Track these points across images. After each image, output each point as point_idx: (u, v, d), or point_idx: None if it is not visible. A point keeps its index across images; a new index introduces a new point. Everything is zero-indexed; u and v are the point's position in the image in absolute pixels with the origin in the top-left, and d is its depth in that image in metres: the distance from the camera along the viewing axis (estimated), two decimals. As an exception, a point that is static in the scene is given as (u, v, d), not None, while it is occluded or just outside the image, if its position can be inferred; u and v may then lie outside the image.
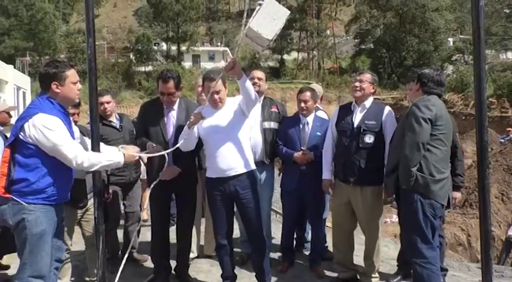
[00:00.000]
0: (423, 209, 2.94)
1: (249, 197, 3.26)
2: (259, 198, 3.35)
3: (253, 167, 3.35)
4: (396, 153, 3.09)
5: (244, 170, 3.26)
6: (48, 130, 2.44)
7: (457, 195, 3.64)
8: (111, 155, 2.70)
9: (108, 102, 4.00)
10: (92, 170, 2.62)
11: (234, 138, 3.23)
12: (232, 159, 3.21)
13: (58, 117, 2.52)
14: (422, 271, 2.93)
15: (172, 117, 3.58)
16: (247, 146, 3.33)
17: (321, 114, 4.20)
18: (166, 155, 3.13)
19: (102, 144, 2.88)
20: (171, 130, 3.53)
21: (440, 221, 3.45)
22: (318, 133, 3.87)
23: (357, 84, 3.62)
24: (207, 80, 3.23)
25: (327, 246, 4.30)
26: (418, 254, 2.95)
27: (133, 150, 2.88)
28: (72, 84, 2.64)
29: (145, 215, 5.69)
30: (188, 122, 3.16)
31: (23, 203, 2.44)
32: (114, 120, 4.09)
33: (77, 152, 2.51)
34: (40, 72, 2.67)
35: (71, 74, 2.63)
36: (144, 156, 3.12)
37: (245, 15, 2.92)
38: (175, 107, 3.59)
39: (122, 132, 4.06)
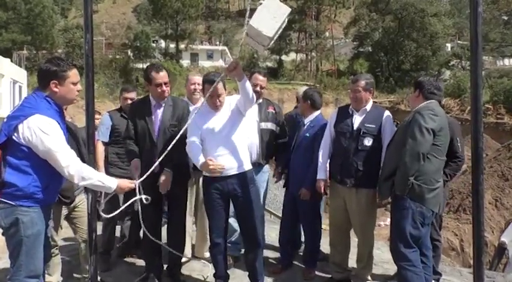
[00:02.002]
0: (413, 216, 3.03)
1: (246, 195, 3.27)
2: (256, 197, 3.35)
3: (250, 166, 3.36)
4: (395, 159, 3.11)
5: (242, 170, 3.27)
6: (44, 134, 2.34)
7: None
8: (105, 178, 2.58)
9: (132, 99, 4.23)
10: (81, 183, 2.49)
11: (232, 138, 3.23)
12: (230, 159, 3.21)
13: (55, 120, 2.42)
14: (406, 273, 3.08)
15: (160, 115, 3.54)
16: (244, 146, 3.34)
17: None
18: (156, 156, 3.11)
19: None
20: (159, 129, 3.50)
21: (431, 227, 3.48)
22: (307, 134, 3.86)
23: (352, 95, 3.65)
24: (208, 82, 3.20)
25: (319, 246, 4.33)
26: (402, 257, 3.10)
27: (128, 182, 2.75)
28: (72, 85, 2.53)
29: None
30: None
31: (15, 204, 2.37)
32: None
33: (71, 162, 2.42)
34: (40, 68, 2.55)
35: (72, 74, 2.53)
36: (138, 182, 2.88)
37: (247, 15, 2.90)
38: (165, 102, 3.57)
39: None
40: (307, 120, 3.94)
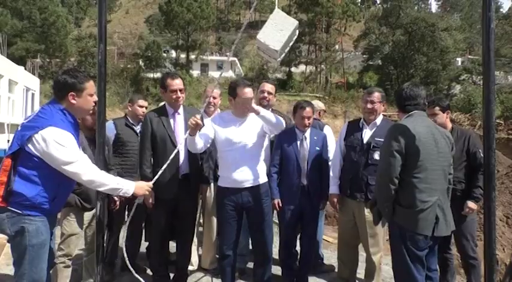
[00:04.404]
0: (404, 242, 2.77)
1: (260, 208, 3.26)
2: (269, 211, 3.35)
3: (266, 179, 3.36)
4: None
5: (257, 182, 3.26)
6: (61, 146, 2.36)
7: (472, 205, 3.50)
8: (122, 182, 2.61)
9: (146, 107, 4.21)
10: (100, 189, 2.54)
11: (253, 151, 3.23)
12: (248, 171, 3.21)
13: (69, 131, 2.44)
14: None
15: (180, 122, 3.57)
16: (262, 159, 3.34)
17: (326, 128, 4.20)
18: (180, 152, 3.14)
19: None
20: (179, 136, 3.51)
21: (432, 250, 3.37)
22: (317, 148, 3.80)
23: (369, 106, 3.60)
24: (245, 86, 3.13)
25: (323, 259, 4.36)
26: None
27: (145, 184, 2.78)
28: (89, 96, 2.57)
29: None
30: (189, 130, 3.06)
31: (22, 213, 2.37)
32: (137, 125, 4.15)
33: (88, 168, 2.46)
34: (57, 80, 2.56)
35: (89, 86, 2.56)
36: (151, 183, 2.88)
37: (242, 29, 2.90)
38: (181, 111, 3.60)
39: (139, 138, 4.03)
40: (308, 134, 3.78)
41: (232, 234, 3.30)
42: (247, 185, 3.21)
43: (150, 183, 2.82)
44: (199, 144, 3.18)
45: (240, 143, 3.19)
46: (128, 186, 2.60)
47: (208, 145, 3.29)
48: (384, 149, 2.81)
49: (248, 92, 3.13)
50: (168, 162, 2.99)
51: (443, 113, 3.64)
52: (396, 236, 2.83)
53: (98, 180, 2.48)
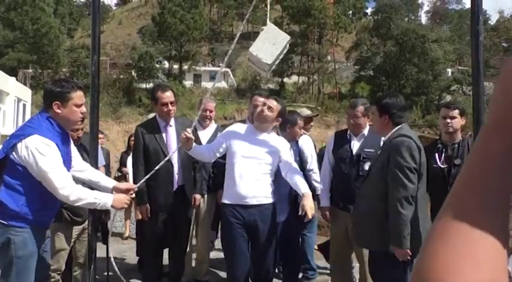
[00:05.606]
0: (405, 268, 2.65)
1: (267, 229, 3.13)
2: (275, 231, 3.23)
3: (273, 199, 3.22)
4: (373, 199, 2.80)
5: (266, 201, 3.13)
6: (40, 154, 2.30)
7: None
8: (100, 195, 2.55)
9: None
10: (77, 204, 2.46)
11: (264, 168, 3.12)
12: (255, 188, 3.08)
13: (54, 142, 2.39)
14: None
15: (172, 135, 3.56)
16: (271, 178, 3.21)
17: (305, 138, 4.17)
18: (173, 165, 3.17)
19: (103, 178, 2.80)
20: (172, 148, 3.49)
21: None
22: (298, 158, 3.82)
23: (352, 121, 3.57)
24: (260, 95, 3.21)
25: (315, 269, 4.40)
26: None
27: (124, 196, 2.68)
28: (75, 107, 2.49)
29: (128, 231, 5.64)
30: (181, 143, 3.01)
31: (8, 224, 2.32)
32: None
33: (66, 183, 2.39)
34: (45, 89, 2.57)
35: (76, 96, 2.48)
36: (136, 187, 2.89)
37: (235, 40, 2.94)
38: (172, 123, 3.59)
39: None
40: (297, 144, 3.86)
41: (244, 256, 3.10)
42: (254, 202, 3.07)
43: (128, 196, 2.71)
44: (204, 155, 3.14)
45: (253, 158, 3.08)
46: (105, 200, 2.52)
47: (219, 155, 3.20)
48: (398, 167, 2.61)
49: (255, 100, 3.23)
50: (156, 168, 2.95)
51: (461, 117, 3.36)
52: (397, 264, 2.64)
53: (75, 194, 2.41)
